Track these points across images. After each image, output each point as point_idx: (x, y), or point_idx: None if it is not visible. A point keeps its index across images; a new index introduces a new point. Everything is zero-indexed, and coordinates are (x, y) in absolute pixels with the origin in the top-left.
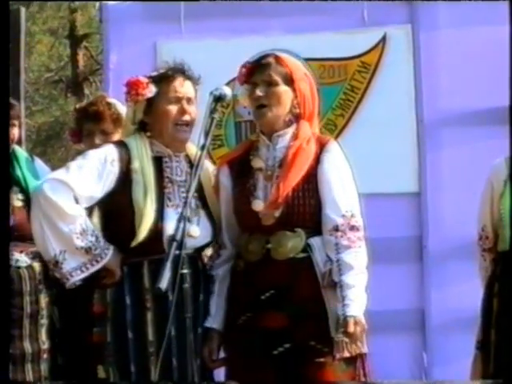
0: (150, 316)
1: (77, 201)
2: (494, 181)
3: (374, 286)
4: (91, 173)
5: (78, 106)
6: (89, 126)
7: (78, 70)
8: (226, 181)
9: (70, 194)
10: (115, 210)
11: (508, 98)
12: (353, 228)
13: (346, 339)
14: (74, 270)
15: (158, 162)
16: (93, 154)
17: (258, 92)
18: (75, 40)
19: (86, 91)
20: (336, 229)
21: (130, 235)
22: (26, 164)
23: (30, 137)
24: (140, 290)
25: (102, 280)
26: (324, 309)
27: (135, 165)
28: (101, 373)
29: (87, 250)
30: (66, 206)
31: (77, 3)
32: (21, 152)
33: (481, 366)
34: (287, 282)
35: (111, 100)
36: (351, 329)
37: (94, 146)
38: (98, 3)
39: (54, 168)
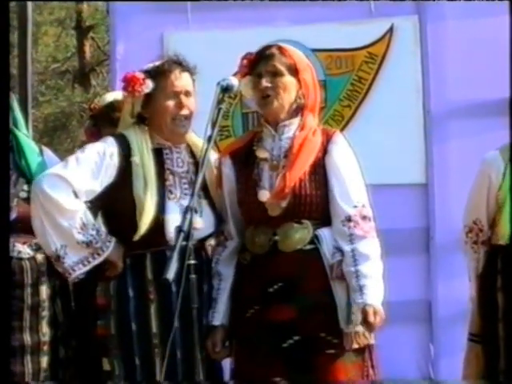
0: (153, 308)
1: (76, 195)
2: (492, 174)
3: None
4: (90, 167)
5: (93, 105)
6: (110, 130)
7: (84, 61)
8: (229, 172)
9: (68, 189)
10: (116, 203)
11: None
12: (365, 218)
13: (365, 329)
14: (76, 264)
15: (159, 153)
16: (91, 147)
17: (264, 82)
18: (82, 31)
19: (93, 82)
20: (349, 219)
21: (131, 228)
22: (33, 155)
23: (37, 127)
24: (143, 282)
25: (104, 273)
26: (332, 300)
27: (135, 157)
28: (105, 365)
29: (88, 244)
30: (64, 201)
31: None
32: (28, 142)
33: (481, 359)
34: (295, 274)
35: None
36: (371, 318)
37: None
38: None
39: (61, 159)
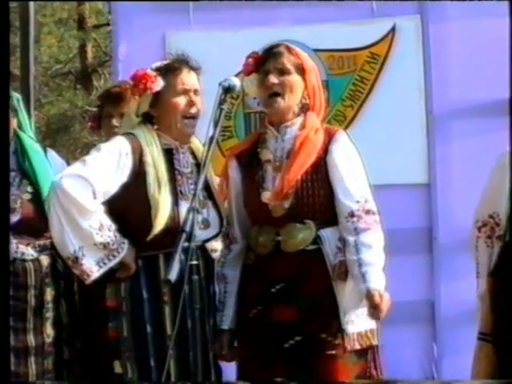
0: (167, 310)
1: (94, 196)
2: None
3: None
4: (108, 167)
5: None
6: (108, 108)
7: (86, 62)
8: (234, 174)
9: (89, 189)
10: (129, 204)
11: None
12: (368, 212)
13: (372, 315)
14: (94, 266)
15: (168, 154)
16: (107, 147)
17: (272, 79)
18: (84, 32)
19: (95, 83)
20: (352, 215)
21: (145, 228)
22: (37, 156)
23: (40, 129)
24: (157, 284)
25: (115, 274)
26: (334, 301)
27: (147, 157)
28: (117, 368)
29: (105, 245)
30: (85, 201)
31: None
32: (32, 144)
33: (491, 358)
34: (297, 274)
35: None
36: (378, 300)
37: (111, 129)
38: None
39: (64, 160)
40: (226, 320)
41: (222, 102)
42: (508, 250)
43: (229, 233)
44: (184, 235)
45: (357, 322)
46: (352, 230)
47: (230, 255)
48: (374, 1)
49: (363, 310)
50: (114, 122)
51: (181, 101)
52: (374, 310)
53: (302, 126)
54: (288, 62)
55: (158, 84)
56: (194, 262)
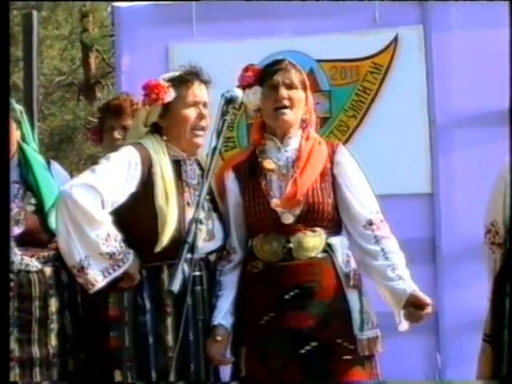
0: (170, 321)
1: (103, 205)
2: (508, 177)
3: None
4: (118, 177)
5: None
6: (110, 121)
7: (90, 74)
8: (233, 186)
9: (98, 198)
10: (137, 214)
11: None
12: (382, 222)
13: (414, 314)
14: (98, 276)
15: (176, 165)
16: (117, 157)
17: (283, 93)
18: (87, 43)
19: (98, 94)
20: (370, 223)
21: (151, 239)
22: (40, 168)
23: (43, 140)
24: (160, 295)
25: (118, 284)
26: (347, 307)
27: (156, 168)
28: (117, 377)
29: (111, 255)
30: (94, 211)
31: (88, 7)
32: (35, 156)
33: (490, 359)
34: (310, 281)
35: (133, 97)
36: (427, 300)
37: (113, 141)
38: (109, 7)
39: (67, 172)
40: (217, 316)
41: (224, 113)
42: (506, 258)
43: (227, 244)
44: (187, 246)
45: (366, 328)
46: (372, 237)
47: (228, 266)
48: (378, 6)
49: (372, 317)
50: (116, 134)
51: (191, 113)
52: (420, 310)
53: (306, 138)
54: (295, 77)
55: (170, 95)
56: (197, 273)
